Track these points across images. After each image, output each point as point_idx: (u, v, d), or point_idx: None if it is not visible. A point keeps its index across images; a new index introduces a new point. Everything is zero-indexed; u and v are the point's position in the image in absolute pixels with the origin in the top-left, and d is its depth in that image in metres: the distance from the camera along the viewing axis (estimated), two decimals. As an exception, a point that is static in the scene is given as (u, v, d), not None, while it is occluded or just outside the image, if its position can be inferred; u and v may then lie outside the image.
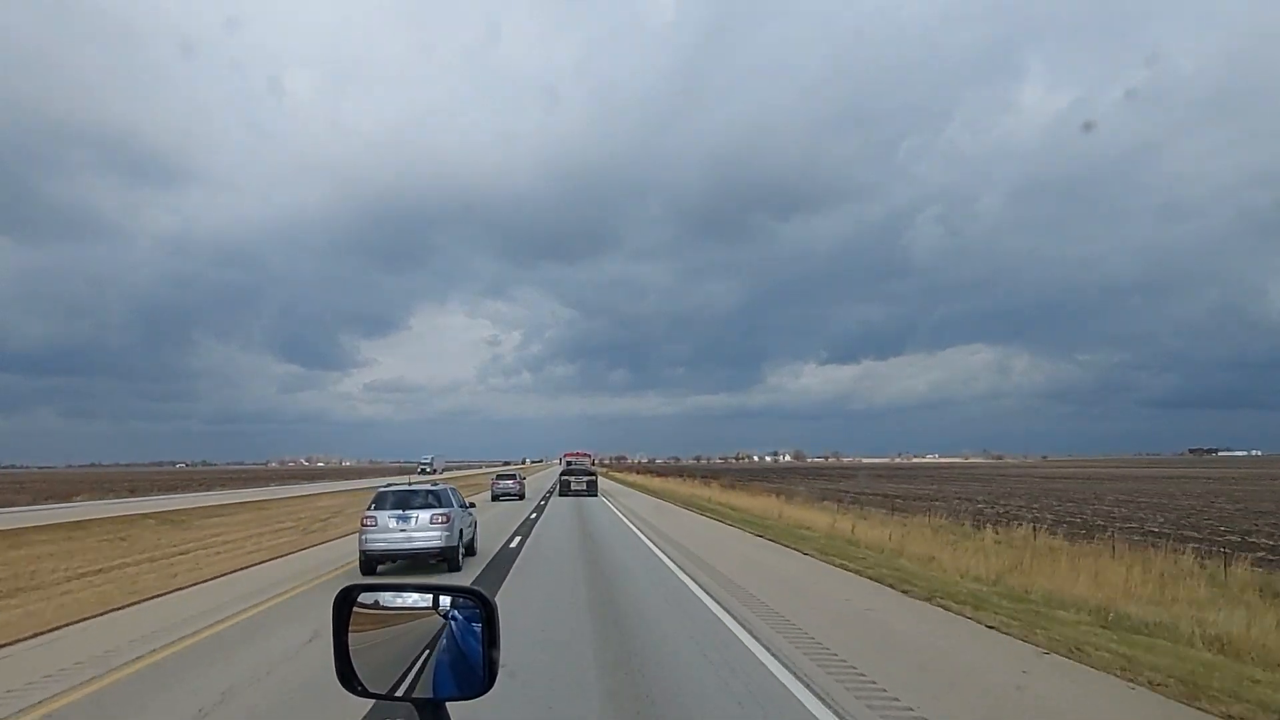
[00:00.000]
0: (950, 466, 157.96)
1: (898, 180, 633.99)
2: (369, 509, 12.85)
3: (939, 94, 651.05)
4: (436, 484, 14.39)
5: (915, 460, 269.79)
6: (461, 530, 13.40)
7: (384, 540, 12.45)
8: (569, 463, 45.66)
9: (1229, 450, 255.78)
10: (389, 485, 14.09)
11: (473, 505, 15.49)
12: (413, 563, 12.94)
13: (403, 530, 12.49)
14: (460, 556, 13.11)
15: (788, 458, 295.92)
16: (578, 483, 37.73)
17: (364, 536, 12.53)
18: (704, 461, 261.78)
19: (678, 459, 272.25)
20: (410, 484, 15.10)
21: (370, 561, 12.60)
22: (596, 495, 36.47)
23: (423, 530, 12.53)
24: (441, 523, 12.63)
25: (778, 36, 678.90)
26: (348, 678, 1.59)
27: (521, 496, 35.36)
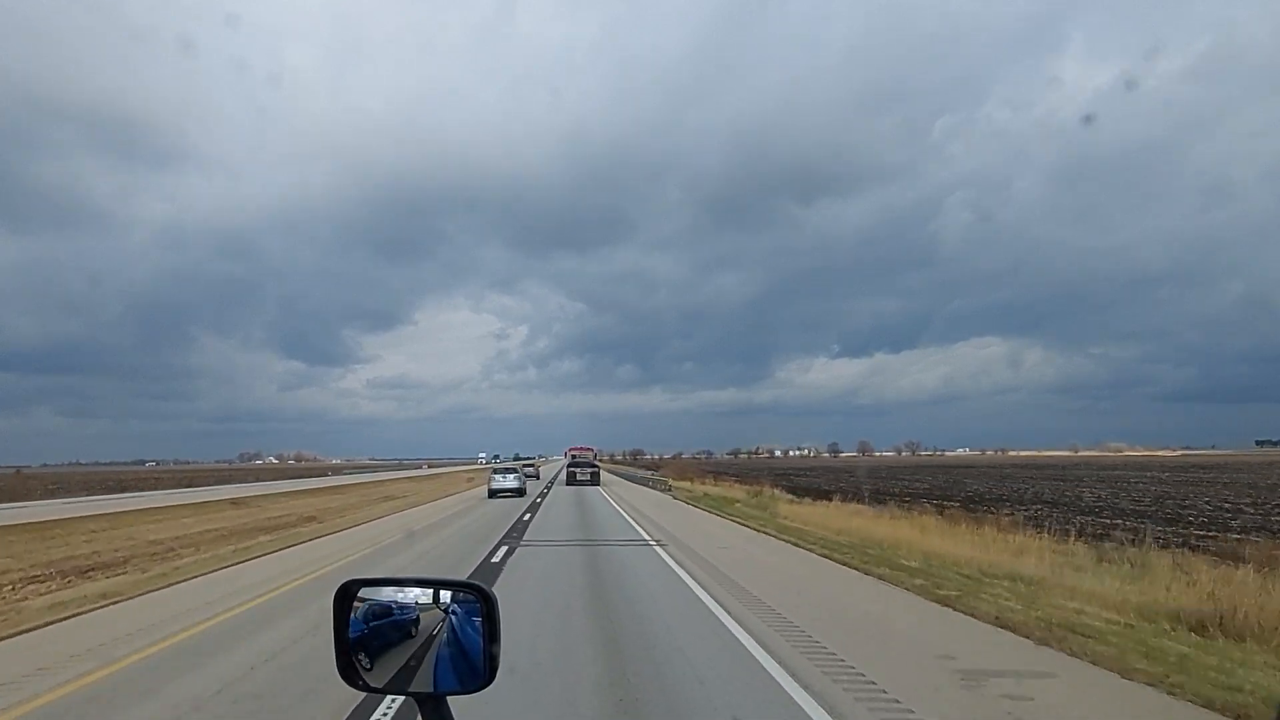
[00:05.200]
0: (1066, 462, 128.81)
1: (930, 161, 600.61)
2: (491, 473, 35.04)
3: (979, 67, 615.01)
4: (514, 465, 36.88)
5: (1013, 454, 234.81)
6: (524, 482, 35.41)
7: (495, 484, 34.11)
8: (574, 457, 51.67)
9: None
10: (498, 464, 36.91)
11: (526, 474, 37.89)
12: (510, 494, 33.81)
13: (503, 480, 34.22)
14: (523, 494, 34.48)
15: (824, 454, 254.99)
16: (582, 474, 45.14)
17: (489, 483, 34.37)
18: (743, 457, 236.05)
19: (709, 453, 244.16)
20: (504, 463, 39.01)
21: (491, 494, 34.02)
22: (599, 485, 43.73)
23: (509, 481, 34.21)
24: (516, 479, 34.52)
25: (807, 6, 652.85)
26: (349, 672, 1.62)
27: (537, 477, 56.17)
